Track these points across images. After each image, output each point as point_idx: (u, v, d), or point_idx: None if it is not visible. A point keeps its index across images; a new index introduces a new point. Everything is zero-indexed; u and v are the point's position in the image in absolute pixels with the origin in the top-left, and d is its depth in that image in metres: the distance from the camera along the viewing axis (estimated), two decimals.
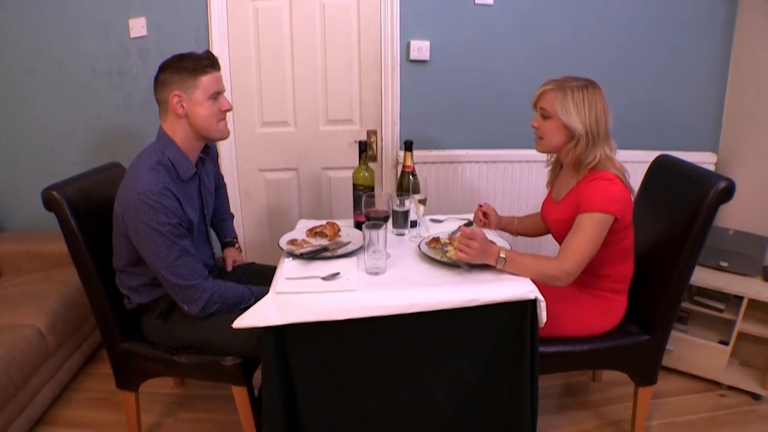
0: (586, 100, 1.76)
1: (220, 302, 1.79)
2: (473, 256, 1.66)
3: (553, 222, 1.98)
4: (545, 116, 1.84)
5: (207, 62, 1.76)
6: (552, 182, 2.09)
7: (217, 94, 1.79)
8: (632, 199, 1.83)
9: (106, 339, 1.98)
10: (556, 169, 2.07)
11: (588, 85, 1.80)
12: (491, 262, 1.70)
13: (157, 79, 1.77)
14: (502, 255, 1.69)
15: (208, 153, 2.02)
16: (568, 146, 1.84)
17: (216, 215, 2.22)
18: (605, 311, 1.94)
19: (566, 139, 1.83)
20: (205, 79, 1.75)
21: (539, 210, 2.15)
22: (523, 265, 1.71)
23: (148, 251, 1.69)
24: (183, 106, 1.75)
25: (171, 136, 1.79)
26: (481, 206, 2.19)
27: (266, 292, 1.69)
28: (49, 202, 1.83)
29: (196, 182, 1.92)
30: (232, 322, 1.60)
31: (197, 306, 1.76)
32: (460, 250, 1.67)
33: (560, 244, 2.00)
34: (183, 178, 1.81)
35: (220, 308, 1.79)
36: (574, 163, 1.84)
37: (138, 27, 2.84)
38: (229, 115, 1.91)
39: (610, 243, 1.80)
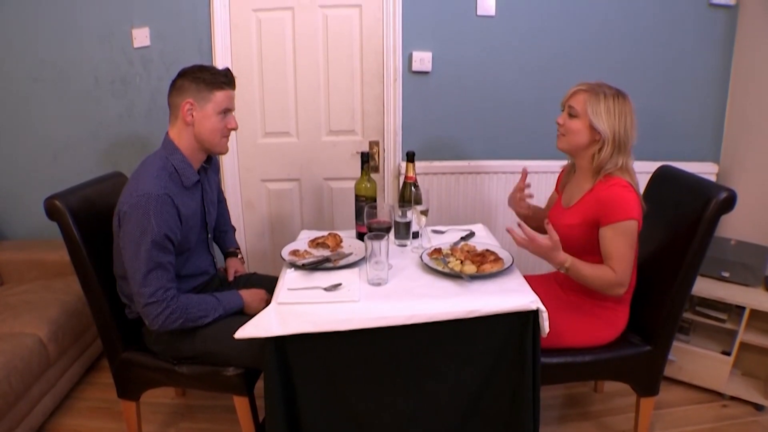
0: (617, 108, 1.81)
1: (183, 317, 1.76)
2: (536, 250, 1.80)
3: (562, 227, 1.97)
4: (572, 115, 1.87)
5: (224, 79, 1.82)
6: (562, 188, 2.10)
7: (227, 111, 1.84)
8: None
9: (107, 348, 1.98)
10: (569, 175, 2.08)
11: (620, 94, 1.84)
12: (553, 266, 1.82)
13: (174, 83, 1.82)
14: (567, 266, 1.79)
15: (210, 162, 2.04)
16: (591, 150, 1.87)
17: (218, 227, 2.23)
18: (607, 322, 1.94)
19: (589, 140, 1.86)
20: (219, 95, 1.81)
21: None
22: (583, 275, 1.80)
23: (127, 253, 1.71)
24: (192, 115, 1.79)
25: (176, 143, 1.83)
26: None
27: (236, 300, 1.83)
28: (51, 211, 1.83)
29: (198, 190, 1.93)
30: (233, 333, 1.60)
31: (156, 323, 1.73)
32: (521, 241, 1.78)
33: (566, 249, 2.02)
34: (186, 185, 1.83)
35: (184, 323, 1.77)
36: (596, 168, 1.86)
37: (141, 37, 2.86)
38: None
39: None
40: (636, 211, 1.77)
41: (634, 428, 2.09)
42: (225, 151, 1.92)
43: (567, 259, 1.80)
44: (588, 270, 1.81)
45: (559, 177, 2.15)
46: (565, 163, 2.14)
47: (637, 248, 1.89)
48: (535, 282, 2.02)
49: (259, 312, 1.64)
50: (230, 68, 1.88)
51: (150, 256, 1.68)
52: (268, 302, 1.79)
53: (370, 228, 1.89)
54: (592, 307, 1.94)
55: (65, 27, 2.87)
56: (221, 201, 2.28)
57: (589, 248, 1.87)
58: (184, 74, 1.81)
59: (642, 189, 2.25)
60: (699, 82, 3.06)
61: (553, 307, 1.77)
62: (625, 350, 1.96)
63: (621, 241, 1.78)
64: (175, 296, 1.75)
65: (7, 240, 3.10)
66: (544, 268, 3.03)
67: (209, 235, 2.05)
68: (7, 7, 2.83)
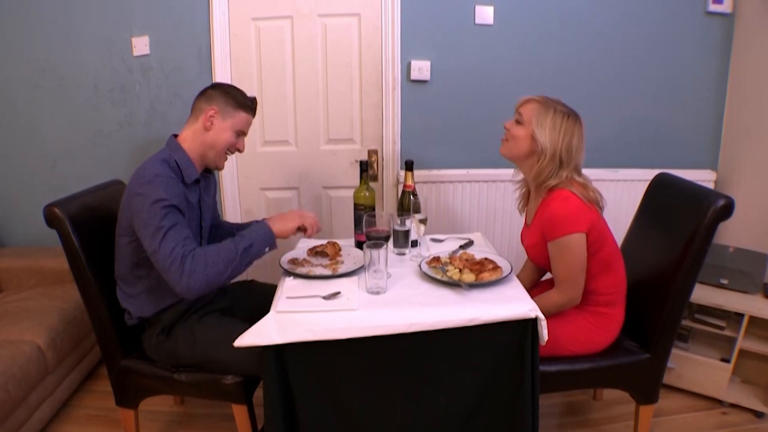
0: (564, 126, 1.82)
1: (204, 267, 1.68)
2: None
3: (528, 247, 2.03)
4: (518, 121, 1.90)
5: (251, 105, 1.95)
6: (523, 206, 2.13)
7: (241, 133, 1.94)
8: (597, 211, 1.85)
9: (106, 356, 1.98)
10: (526, 195, 2.11)
11: (572, 114, 1.85)
12: None
13: (205, 91, 1.92)
14: None
15: (211, 172, 2.07)
16: (531, 161, 1.89)
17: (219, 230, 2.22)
18: (601, 326, 1.94)
19: (529, 150, 1.87)
20: (242, 116, 1.92)
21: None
22: None
23: (144, 230, 1.68)
24: (212, 123, 1.87)
25: (183, 144, 1.88)
26: None
27: (263, 229, 1.83)
28: (51, 219, 1.84)
29: (197, 191, 1.95)
30: (232, 341, 1.60)
31: (183, 285, 1.66)
32: None
33: (539, 267, 2.09)
34: (186, 181, 1.86)
35: (211, 274, 1.69)
36: (535, 178, 1.88)
37: (141, 45, 2.87)
38: None
39: (587, 256, 1.84)
40: (578, 224, 1.78)
41: None
42: (221, 167, 1.99)
43: None
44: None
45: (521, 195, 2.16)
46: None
47: (610, 247, 1.91)
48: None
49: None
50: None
51: (162, 220, 1.67)
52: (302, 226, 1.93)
53: (368, 236, 1.90)
54: (585, 313, 1.94)
55: (65, 34, 2.88)
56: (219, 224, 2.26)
57: None
58: (217, 86, 1.94)
59: (640, 197, 2.27)
60: (696, 90, 3.07)
61: (547, 315, 1.78)
62: (624, 358, 1.96)
63: (564, 258, 1.82)
64: (189, 252, 1.68)
65: (6, 247, 3.10)
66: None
67: (202, 241, 2.06)
68: (7, 13, 2.85)
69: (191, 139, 1.89)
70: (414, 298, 1.69)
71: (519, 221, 3.01)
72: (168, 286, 1.73)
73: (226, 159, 1.98)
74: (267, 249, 1.84)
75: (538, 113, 1.84)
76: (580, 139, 1.84)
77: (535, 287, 2.23)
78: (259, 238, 1.81)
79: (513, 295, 1.70)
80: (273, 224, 1.88)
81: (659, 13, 2.94)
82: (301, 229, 1.96)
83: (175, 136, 1.92)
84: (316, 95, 2.98)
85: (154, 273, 1.80)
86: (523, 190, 2.12)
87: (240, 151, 1.99)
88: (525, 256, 2.27)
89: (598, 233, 1.84)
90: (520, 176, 2.08)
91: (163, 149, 1.88)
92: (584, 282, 1.86)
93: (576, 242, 1.79)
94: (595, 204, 1.84)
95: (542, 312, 1.81)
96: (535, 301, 1.85)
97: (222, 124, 1.88)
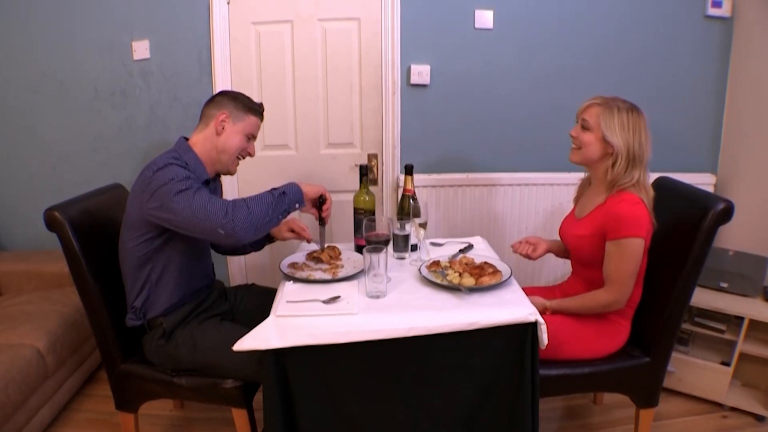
0: (631, 122, 1.82)
1: (247, 208, 1.69)
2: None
3: (573, 237, 2.00)
4: (585, 127, 1.89)
5: (258, 109, 1.98)
6: (577, 199, 2.12)
7: (252, 137, 1.97)
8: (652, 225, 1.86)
9: (105, 360, 1.98)
10: (585, 187, 2.10)
11: (634, 108, 1.85)
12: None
13: (213, 98, 1.96)
14: (549, 307, 1.90)
15: (217, 178, 2.07)
16: (604, 163, 1.88)
17: None
18: (609, 335, 1.94)
19: (601, 153, 1.87)
20: (252, 119, 1.95)
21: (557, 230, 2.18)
22: (572, 311, 1.87)
23: (167, 196, 1.66)
24: (224, 127, 1.89)
25: (193, 148, 1.89)
26: (528, 241, 2.18)
27: (292, 185, 1.83)
28: (51, 223, 1.84)
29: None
30: (232, 345, 1.60)
31: (230, 227, 1.65)
32: None
33: (575, 260, 2.06)
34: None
35: (256, 214, 1.70)
36: (611, 182, 1.87)
37: (141, 49, 2.88)
38: None
39: None
40: (643, 229, 1.78)
41: None
42: (234, 172, 2.00)
43: (546, 306, 1.92)
44: (577, 304, 1.88)
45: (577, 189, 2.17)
46: (581, 176, 2.15)
47: (645, 264, 1.90)
48: (538, 294, 2.04)
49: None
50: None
51: (191, 185, 1.68)
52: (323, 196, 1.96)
53: (368, 241, 1.90)
54: (594, 320, 1.93)
55: (65, 39, 2.89)
56: None
57: (595, 260, 1.89)
58: (224, 93, 1.98)
59: None
60: (696, 94, 3.07)
61: (554, 319, 1.77)
62: (624, 362, 1.96)
63: (622, 259, 1.80)
64: (227, 202, 1.70)
65: (6, 251, 3.11)
66: (543, 280, 3.05)
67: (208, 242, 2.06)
68: (7, 18, 2.86)
69: (202, 143, 1.90)
70: (414, 302, 1.69)
71: (518, 224, 3.04)
72: (173, 278, 1.79)
73: (238, 164, 1.99)
74: (297, 205, 1.85)
75: (603, 116, 1.84)
76: (646, 132, 1.84)
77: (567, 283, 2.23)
78: (290, 189, 1.83)
79: (513, 299, 1.70)
80: (300, 184, 1.89)
81: (658, 17, 2.95)
82: (321, 201, 1.97)
83: (186, 139, 1.92)
84: (316, 99, 2.98)
85: (159, 266, 1.83)
86: (582, 184, 2.14)
87: (251, 155, 2.00)
88: (526, 261, 2.26)
89: (647, 246, 1.85)
90: (585, 175, 2.10)
91: (170, 149, 1.87)
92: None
93: (636, 245, 1.79)
94: (652, 216, 1.85)
95: (586, 309, 1.87)
96: (582, 299, 1.89)
97: (233, 127, 1.90)
